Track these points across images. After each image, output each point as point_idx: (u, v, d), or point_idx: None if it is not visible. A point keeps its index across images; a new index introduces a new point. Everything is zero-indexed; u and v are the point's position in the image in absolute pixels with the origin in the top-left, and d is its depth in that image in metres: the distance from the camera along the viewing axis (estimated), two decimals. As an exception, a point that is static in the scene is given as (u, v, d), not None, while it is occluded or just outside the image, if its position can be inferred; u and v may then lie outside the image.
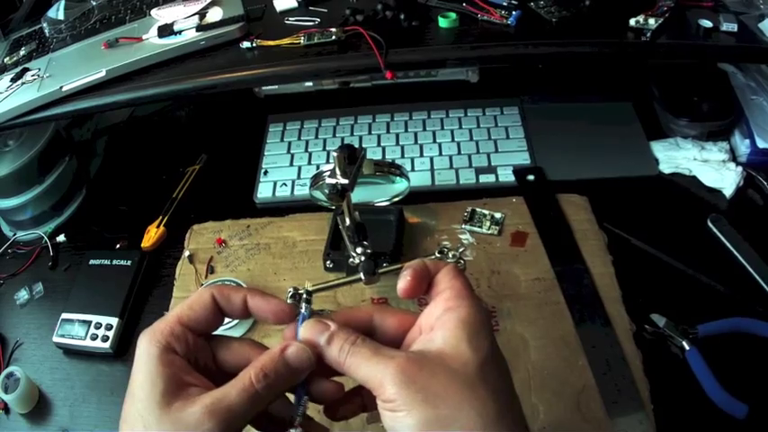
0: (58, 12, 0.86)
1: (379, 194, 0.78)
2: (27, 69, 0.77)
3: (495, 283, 0.70)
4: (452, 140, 0.88)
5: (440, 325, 0.38)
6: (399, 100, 0.94)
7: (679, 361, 0.63)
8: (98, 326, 0.71)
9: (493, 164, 0.84)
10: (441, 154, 0.86)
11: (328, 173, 0.58)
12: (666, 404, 0.59)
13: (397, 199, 0.79)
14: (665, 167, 0.81)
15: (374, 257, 0.49)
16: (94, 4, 0.86)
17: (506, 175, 0.82)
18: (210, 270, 0.76)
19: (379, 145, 0.89)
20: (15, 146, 0.81)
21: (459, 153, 0.86)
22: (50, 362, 0.71)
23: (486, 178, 0.83)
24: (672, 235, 0.73)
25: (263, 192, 0.85)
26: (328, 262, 0.73)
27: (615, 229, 0.74)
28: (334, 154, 0.57)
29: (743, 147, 0.80)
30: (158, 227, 0.82)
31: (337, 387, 0.40)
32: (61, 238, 0.84)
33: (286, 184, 0.86)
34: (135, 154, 0.97)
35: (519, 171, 0.82)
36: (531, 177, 0.81)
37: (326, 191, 0.57)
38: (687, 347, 0.62)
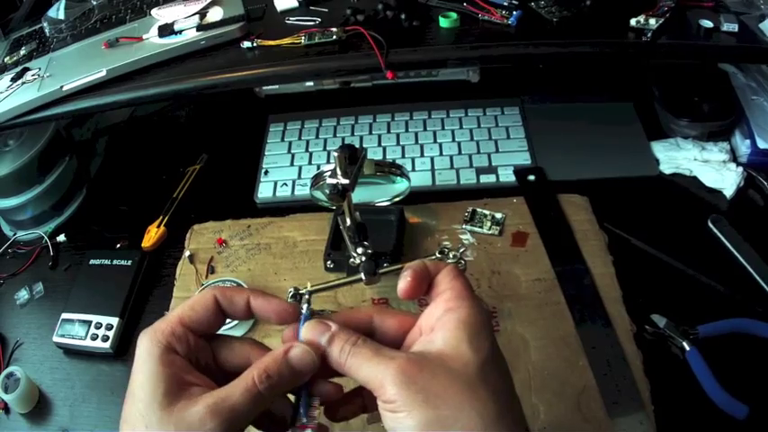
0: (58, 11, 0.86)
1: (379, 194, 0.78)
2: (27, 69, 0.77)
3: (495, 283, 0.70)
4: (453, 140, 0.88)
5: (440, 326, 0.38)
6: (400, 100, 0.94)
7: (679, 361, 0.63)
8: (98, 326, 0.71)
9: (493, 164, 0.84)
10: (441, 154, 0.86)
11: (329, 173, 0.58)
12: (667, 405, 0.59)
13: (397, 199, 0.78)
14: (666, 168, 0.81)
15: (375, 258, 0.49)
16: (95, 3, 0.86)
17: (507, 176, 0.82)
18: (211, 270, 0.76)
19: (379, 145, 0.89)
20: (15, 146, 0.81)
21: (460, 153, 0.86)
22: (50, 362, 0.71)
23: (487, 178, 0.83)
24: (672, 235, 0.73)
25: (264, 192, 0.85)
26: (329, 262, 0.73)
27: (616, 230, 0.74)
28: (335, 154, 0.57)
29: (743, 147, 0.80)
30: (159, 227, 0.82)
31: (336, 388, 0.40)
32: (61, 237, 0.84)
33: (287, 184, 0.86)
34: (135, 154, 0.97)
35: (519, 171, 0.82)
36: (531, 177, 0.81)
37: (327, 191, 0.57)
38: (687, 348, 0.62)
